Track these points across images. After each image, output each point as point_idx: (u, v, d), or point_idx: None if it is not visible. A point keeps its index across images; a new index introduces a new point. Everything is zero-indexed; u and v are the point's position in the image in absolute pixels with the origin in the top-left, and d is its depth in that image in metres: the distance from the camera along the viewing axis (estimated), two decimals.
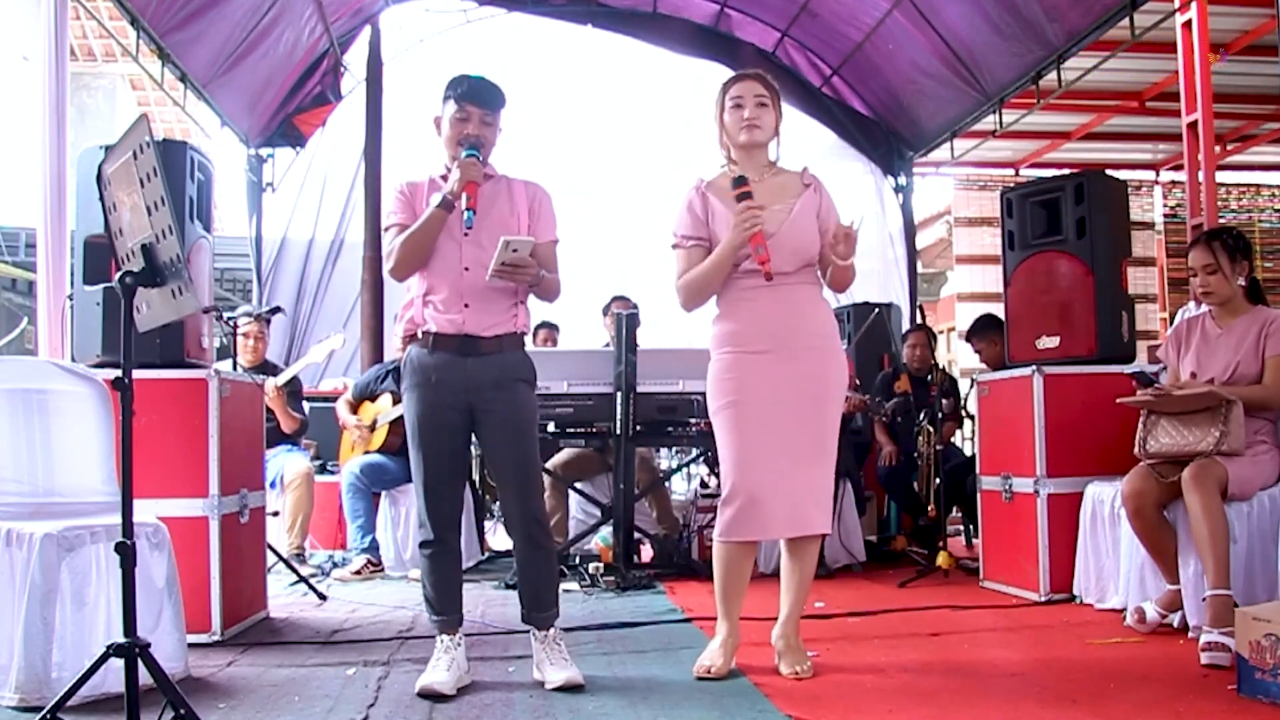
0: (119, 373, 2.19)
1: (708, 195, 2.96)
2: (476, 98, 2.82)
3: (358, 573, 4.90)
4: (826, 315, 2.98)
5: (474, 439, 2.93)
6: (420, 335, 2.83)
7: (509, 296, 2.84)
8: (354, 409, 5.31)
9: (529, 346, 2.98)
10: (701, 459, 5.73)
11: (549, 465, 5.05)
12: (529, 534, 2.86)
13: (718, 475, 3.78)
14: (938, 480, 4.91)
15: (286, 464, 5.19)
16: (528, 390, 2.89)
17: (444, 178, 2.85)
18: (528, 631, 2.95)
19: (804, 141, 7.85)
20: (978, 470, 4.44)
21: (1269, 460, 3.28)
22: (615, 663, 3.07)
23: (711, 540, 3.18)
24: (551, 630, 2.87)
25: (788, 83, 7.72)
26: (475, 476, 5.30)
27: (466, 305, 2.78)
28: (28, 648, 2.50)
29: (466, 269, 2.79)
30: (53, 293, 4.04)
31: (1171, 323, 6.06)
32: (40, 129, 4.13)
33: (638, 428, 4.64)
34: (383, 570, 4.99)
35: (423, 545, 2.86)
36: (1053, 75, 5.88)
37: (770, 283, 2.82)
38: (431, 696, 2.65)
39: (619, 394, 4.60)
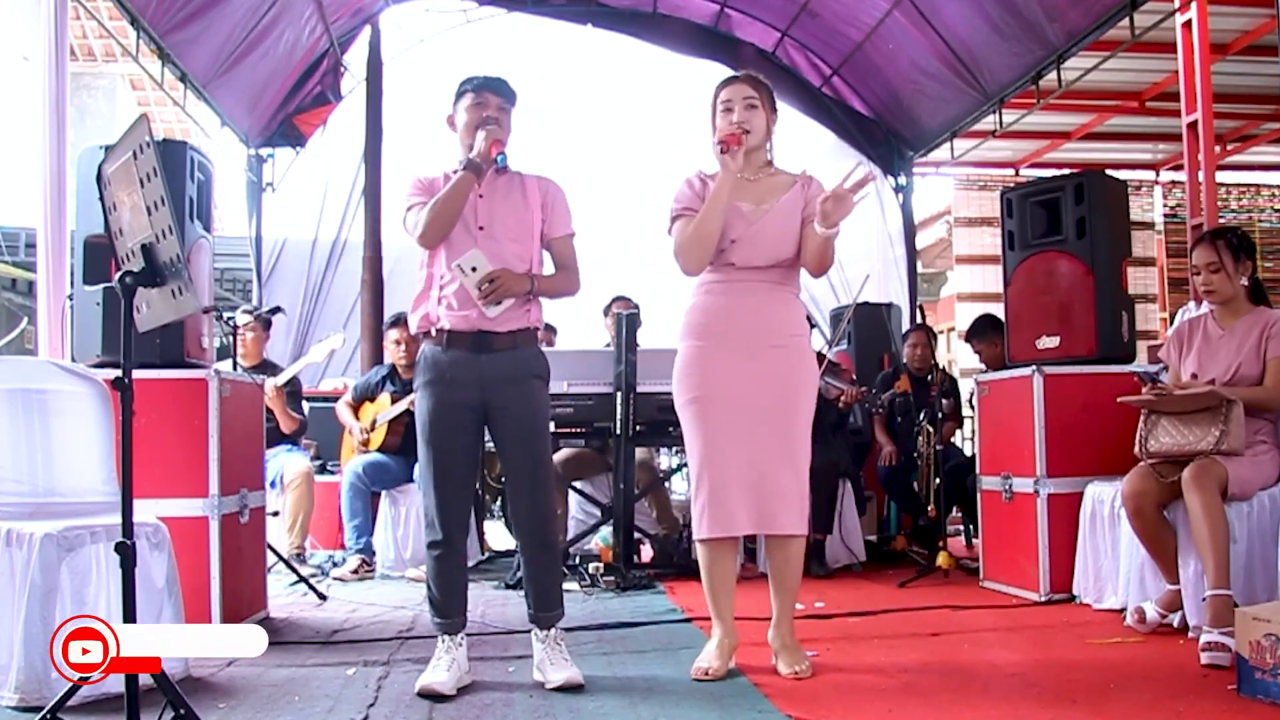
0: (119, 373, 2.19)
1: (707, 180, 2.99)
2: (491, 87, 2.90)
3: (355, 571, 4.90)
4: (796, 315, 2.99)
5: (485, 438, 2.93)
6: (434, 333, 2.85)
7: None
8: (354, 411, 5.31)
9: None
10: None
11: None
12: (537, 533, 2.88)
13: None
14: (938, 480, 4.91)
15: (286, 464, 5.19)
16: (542, 387, 2.91)
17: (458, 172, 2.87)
18: (528, 631, 2.95)
19: (804, 141, 7.86)
20: (978, 470, 4.44)
21: (1269, 460, 3.28)
22: (615, 663, 3.07)
23: None
24: (553, 630, 2.87)
25: (788, 83, 7.72)
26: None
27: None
28: (28, 648, 2.50)
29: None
30: (53, 293, 4.04)
31: (1171, 323, 6.05)
32: (40, 129, 4.12)
33: (638, 428, 4.64)
34: (374, 572, 4.99)
35: (430, 546, 2.85)
36: (1053, 75, 5.87)
37: (740, 273, 2.88)
38: (431, 696, 2.65)
39: (619, 394, 4.60)
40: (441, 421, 2.81)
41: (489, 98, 2.88)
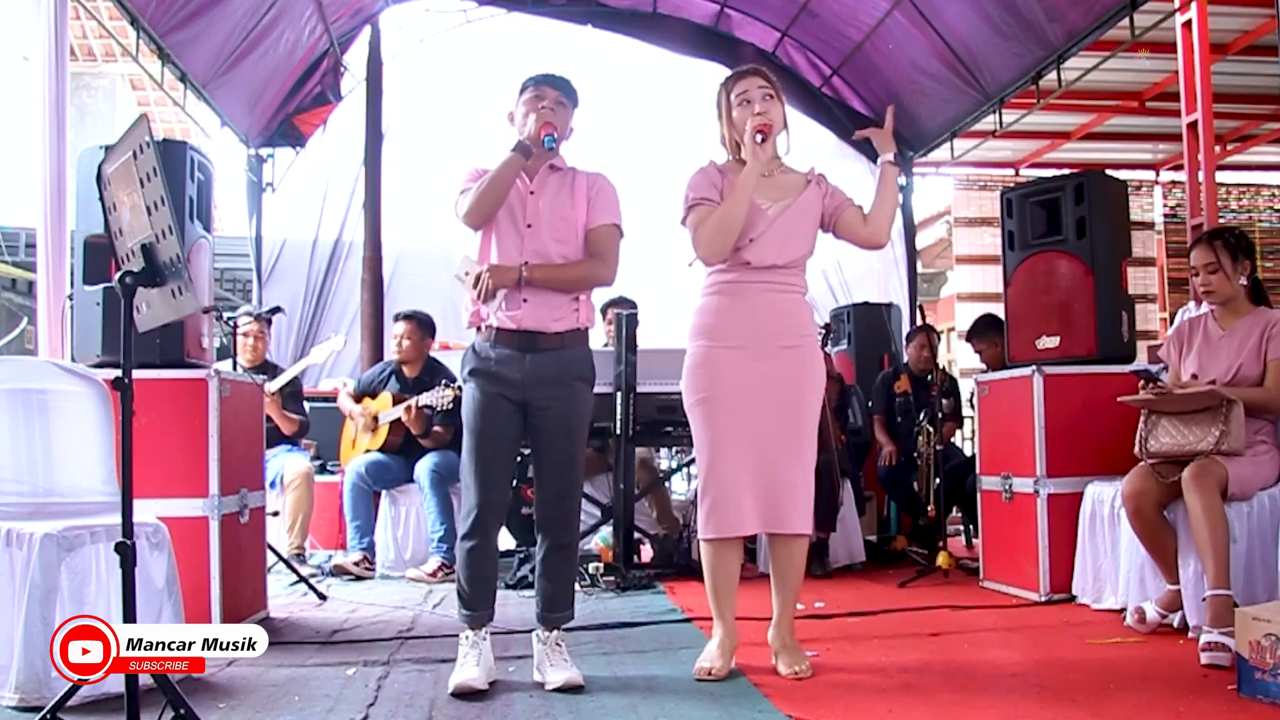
0: (119, 373, 2.19)
1: (723, 170, 2.99)
2: (550, 82, 2.91)
3: (357, 563, 4.91)
4: (805, 315, 3.01)
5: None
6: (483, 329, 2.86)
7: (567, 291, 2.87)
8: (355, 402, 5.32)
9: None
10: None
11: None
12: (558, 535, 2.88)
13: None
14: (938, 480, 4.91)
15: (286, 464, 5.19)
16: (585, 390, 2.91)
17: None
18: (528, 632, 2.95)
19: (804, 142, 7.85)
20: (978, 470, 4.44)
21: (1269, 460, 3.28)
22: (615, 663, 3.07)
23: None
24: (555, 631, 2.87)
25: (788, 83, 7.70)
26: None
27: (525, 300, 2.81)
28: (28, 648, 2.50)
29: (526, 263, 2.82)
30: (53, 293, 4.03)
31: (1171, 323, 6.05)
32: (40, 129, 4.12)
33: (638, 428, 4.64)
34: (374, 572, 5.00)
35: (464, 537, 2.84)
36: (1053, 75, 5.87)
37: (753, 273, 2.88)
38: (467, 694, 2.64)
39: (619, 394, 4.60)
40: (486, 413, 2.82)
41: (546, 90, 2.90)
